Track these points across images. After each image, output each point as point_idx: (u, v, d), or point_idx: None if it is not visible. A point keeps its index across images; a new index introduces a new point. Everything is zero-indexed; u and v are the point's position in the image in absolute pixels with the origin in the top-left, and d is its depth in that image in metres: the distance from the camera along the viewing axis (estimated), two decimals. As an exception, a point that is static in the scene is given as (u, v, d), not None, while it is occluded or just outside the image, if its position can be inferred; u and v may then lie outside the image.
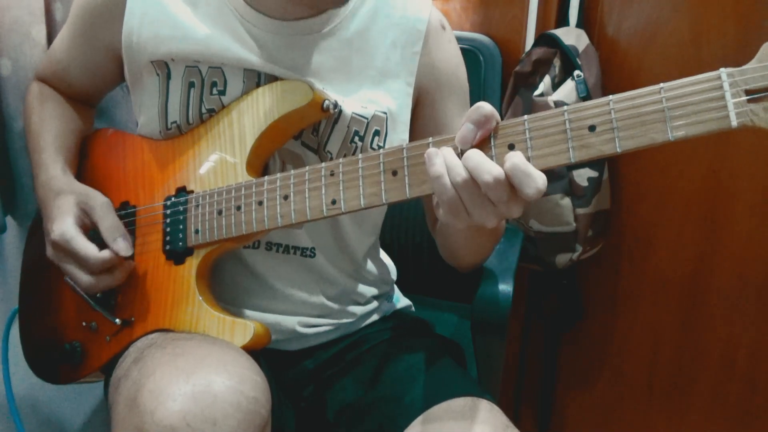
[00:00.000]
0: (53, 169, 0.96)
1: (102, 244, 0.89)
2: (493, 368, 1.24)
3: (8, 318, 1.34)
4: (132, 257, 0.92)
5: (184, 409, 0.68)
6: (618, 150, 0.64)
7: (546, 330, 1.76)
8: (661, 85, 0.63)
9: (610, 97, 0.64)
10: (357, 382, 0.98)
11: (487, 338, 1.22)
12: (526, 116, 0.67)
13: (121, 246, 0.89)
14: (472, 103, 0.99)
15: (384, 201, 0.75)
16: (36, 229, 1.06)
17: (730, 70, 0.61)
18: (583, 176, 1.44)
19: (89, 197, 0.93)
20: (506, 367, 1.75)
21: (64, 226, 0.89)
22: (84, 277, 0.89)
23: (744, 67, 0.61)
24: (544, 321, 1.75)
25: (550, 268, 1.53)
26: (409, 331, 1.07)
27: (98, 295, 0.94)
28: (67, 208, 0.90)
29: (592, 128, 0.65)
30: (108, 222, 0.91)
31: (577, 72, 1.41)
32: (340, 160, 0.78)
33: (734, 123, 0.61)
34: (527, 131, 0.67)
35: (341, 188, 0.78)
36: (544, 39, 1.46)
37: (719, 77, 0.61)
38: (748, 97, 0.60)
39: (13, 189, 1.28)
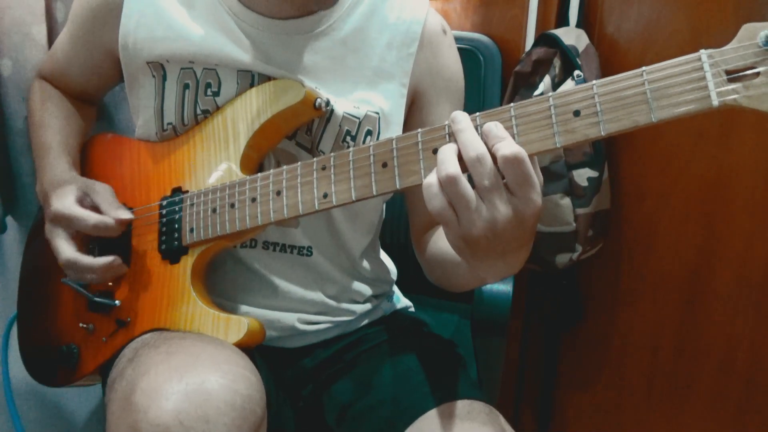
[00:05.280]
0: (58, 167, 0.97)
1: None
2: (493, 368, 1.24)
3: (9, 320, 1.34)
4: (127, 263, 0.94)
5: (177, 407, 0.68)
6: (602, 133, 0.65)
7: (546, 330, 1.76)
8: (644, 68, 0.64)
9: (594, 81, 0.65)
10: (355, 383, 0.97)
11: (487, 338, 1.22)
12: (512, 104, 0.68)
13: (122, 213, 0.91)
14: (473, 103, 1.00)
15: (374, 193, 0.75)
16: (36, 234, 1.07)
17: (710, 51, 0.62)
18: (583, 176, 1.43)
19: (92, 182, 0.95)
20: (506, 367, 1.75)
21: (65, 199, 0.91)
22: (68, 249, 0.90)
23: (724, 48, 0.62)
24: (544, 321, 1.75)
25: (550, 268, 1.53)
26: (409, 332, 1.07)
27: (96, 298, 0.94)
28: (69, 190, 0.92)
29: (576, 113, 0.66)
30: (109, 200, 0.93)
31: (577, 72, 1.41)
32: (332, 154, 0.79)
33: (715, 102, 0.61)
34: (513, 118, 0.68)
35: (332, 181, 0.78)
36: (544, 39, 1.46)
37: (699, 58, 0.62)
38: (728, 77, 0.61)
39: (13, 189, 1.29)
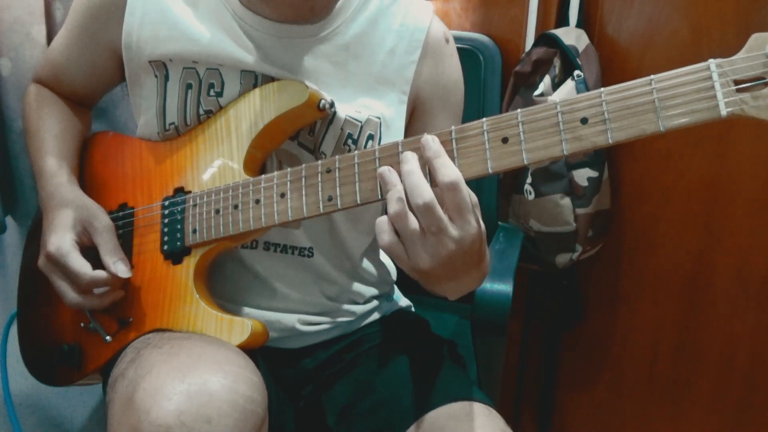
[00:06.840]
0: (59, 176, 0.96)
1: (95, 262, 0.89)
2: (493, 368, 1.24)
3: (8, 319, 1.34)
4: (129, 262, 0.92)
5: (179, 408, 0.67)
6: (610, 141, 0.65)
7: (546, 330, 1.76)
8: (652, 76, 0.64)
9: (602, 89, 0.65)
10: (356, 384, 0.97)
11: (487, 338, 1.22)
12: (519, 110, 0.68)
13: (120, 269, 0.88)
14: (473, 103, 1.00)
15: (379, 197, 0.75)
16: (35, 232, 1.06)
17: (719, 60, 0.62)
18: (583, 176, 1.44)
19: (93, 216, 0.92)
20: (506, 367, 1.74)
21: (62, 240, 0.88)
22: (71, 295, 0.88)
23: (733, 57, 0.62)
24: (544, 321, 1.75)
25: (550, 268, 1.53)
26: (409, 332, 1.07)
27: (91, 324, 0.94)
28: (69, 222, 0.90)
29: (584, 121, 0.66)
30: (109, 245, 0.90)
31: (577, 72, 1.41)
32: (337, 157, 0.78)
33: (724, 112, 0.61)
34: (520, 124, 0.68)
35: (337, 184, 0.78)
36: (544, 39, 1.46)
37: (708, 68, 0.62)
38: (737, 87, 0.61)
39: (13, 189, 1.29)
